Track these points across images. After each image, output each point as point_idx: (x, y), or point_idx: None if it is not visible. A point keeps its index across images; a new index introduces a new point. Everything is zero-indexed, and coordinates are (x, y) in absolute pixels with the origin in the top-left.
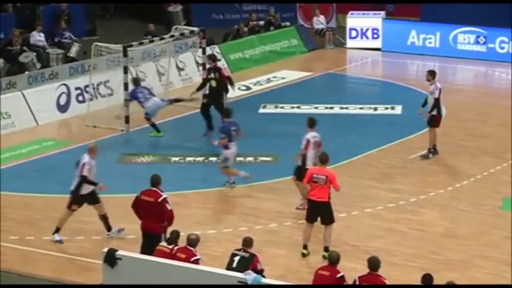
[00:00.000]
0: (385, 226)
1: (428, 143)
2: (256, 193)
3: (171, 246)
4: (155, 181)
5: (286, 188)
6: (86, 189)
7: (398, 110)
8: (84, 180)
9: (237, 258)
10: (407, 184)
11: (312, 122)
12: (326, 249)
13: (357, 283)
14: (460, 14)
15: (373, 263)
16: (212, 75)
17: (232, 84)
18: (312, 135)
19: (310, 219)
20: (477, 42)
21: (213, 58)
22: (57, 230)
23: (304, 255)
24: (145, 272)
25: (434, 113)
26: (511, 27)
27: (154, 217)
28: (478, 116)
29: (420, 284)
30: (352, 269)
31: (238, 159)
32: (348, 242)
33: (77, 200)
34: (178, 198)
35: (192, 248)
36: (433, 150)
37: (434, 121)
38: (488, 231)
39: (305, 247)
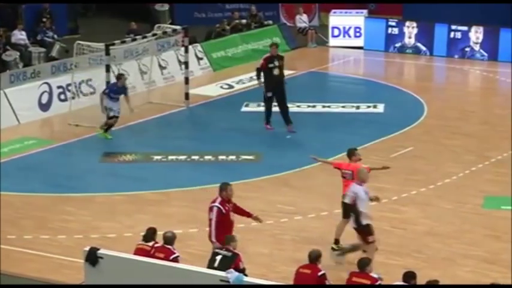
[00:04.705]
0: None
1: None
2: (239, 191)
3: (150, 244)
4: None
5: (269, 187)
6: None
7: (380, 108)
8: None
9: (219, 257)
10: (390, 182)
11: None
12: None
13: (348, 278)
14: (441, 13)
15: (362, 263)
16: (275, 63)
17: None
18: None
19: (344, 215)
20: (454, 40)
21: (276, 45)
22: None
23: (333, 249)
24: (127, 270)
25: None
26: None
27: None
28: (461, 114)
29: (402, 282)
30: (335, 267)
31: (220, 157)
32: (331, 240)
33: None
34: (160, 197)
35: (169, 246)
36: None
37: None
38: (470, 229)
39: (336, 242)
